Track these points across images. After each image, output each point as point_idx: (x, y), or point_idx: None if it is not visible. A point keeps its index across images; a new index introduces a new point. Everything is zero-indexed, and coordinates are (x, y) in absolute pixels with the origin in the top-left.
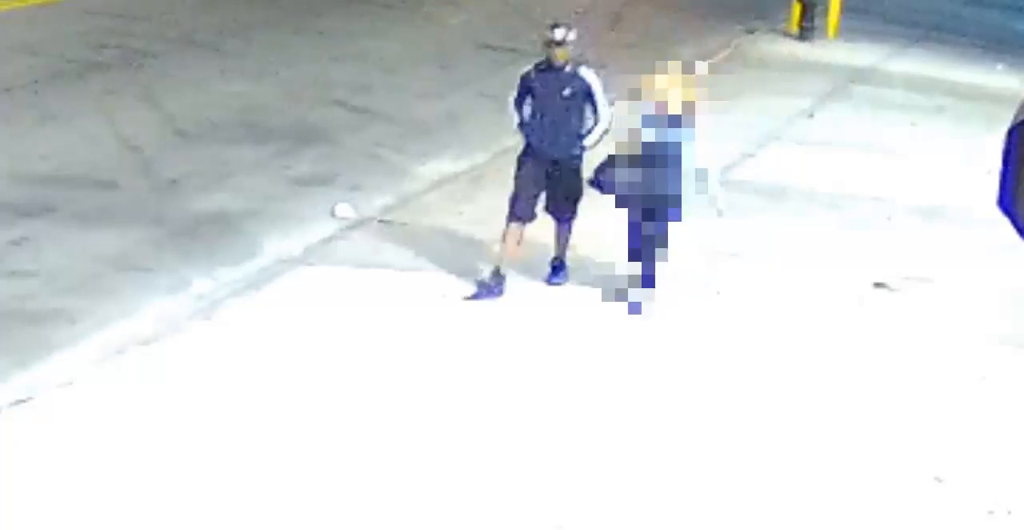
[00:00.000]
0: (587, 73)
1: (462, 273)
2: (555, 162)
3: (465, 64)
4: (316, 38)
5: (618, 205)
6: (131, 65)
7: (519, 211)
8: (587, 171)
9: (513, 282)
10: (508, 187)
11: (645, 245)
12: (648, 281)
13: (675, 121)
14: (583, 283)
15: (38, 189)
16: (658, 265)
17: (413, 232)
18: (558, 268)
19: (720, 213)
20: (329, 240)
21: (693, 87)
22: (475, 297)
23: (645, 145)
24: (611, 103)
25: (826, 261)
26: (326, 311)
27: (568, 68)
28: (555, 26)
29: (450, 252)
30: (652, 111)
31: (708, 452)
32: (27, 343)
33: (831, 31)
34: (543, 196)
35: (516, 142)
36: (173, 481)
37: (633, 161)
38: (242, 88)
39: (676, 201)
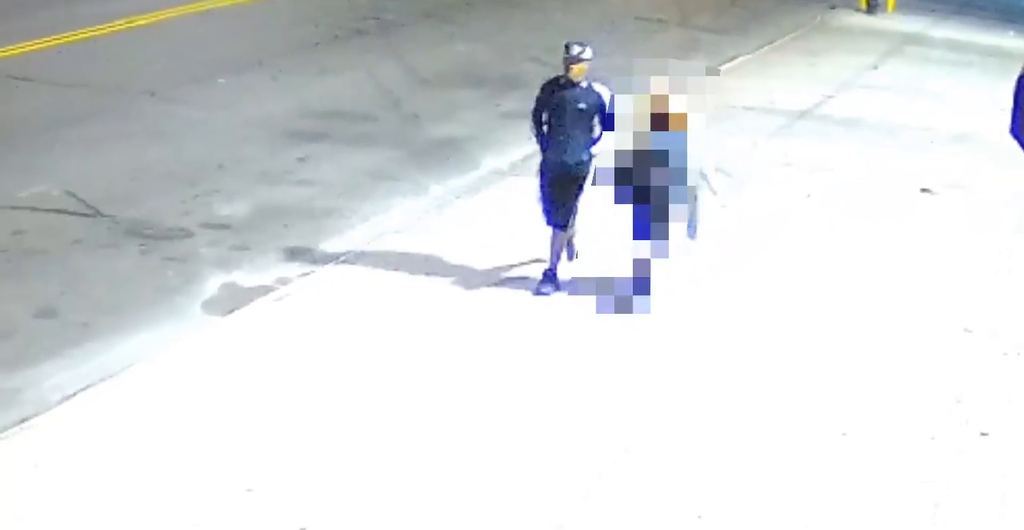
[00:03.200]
0: (601, 88)
1: None
2: (566, 170)
3: (624, 30)
4: (520, 12)
5: (617, 196)
6: (385, 32)
7: (552, 219)
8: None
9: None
10: None
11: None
12: (642, 286)
13: (670, 129)
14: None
15: (318, 121)
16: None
17: None
18: (549, 278)
19: (714, 193)
20: (528, 157)
21: (692, 96)
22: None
23: (641, 147)
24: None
25: (887, 173)
26: (528, 210)
27: (583, 83)
28: (572, 44)
29: None
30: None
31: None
32: (311, 231)
33: (890, 7)
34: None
35: None
36: (423, 332)
37: (635, 157)
38: (465, 48)
39: (677, 194)
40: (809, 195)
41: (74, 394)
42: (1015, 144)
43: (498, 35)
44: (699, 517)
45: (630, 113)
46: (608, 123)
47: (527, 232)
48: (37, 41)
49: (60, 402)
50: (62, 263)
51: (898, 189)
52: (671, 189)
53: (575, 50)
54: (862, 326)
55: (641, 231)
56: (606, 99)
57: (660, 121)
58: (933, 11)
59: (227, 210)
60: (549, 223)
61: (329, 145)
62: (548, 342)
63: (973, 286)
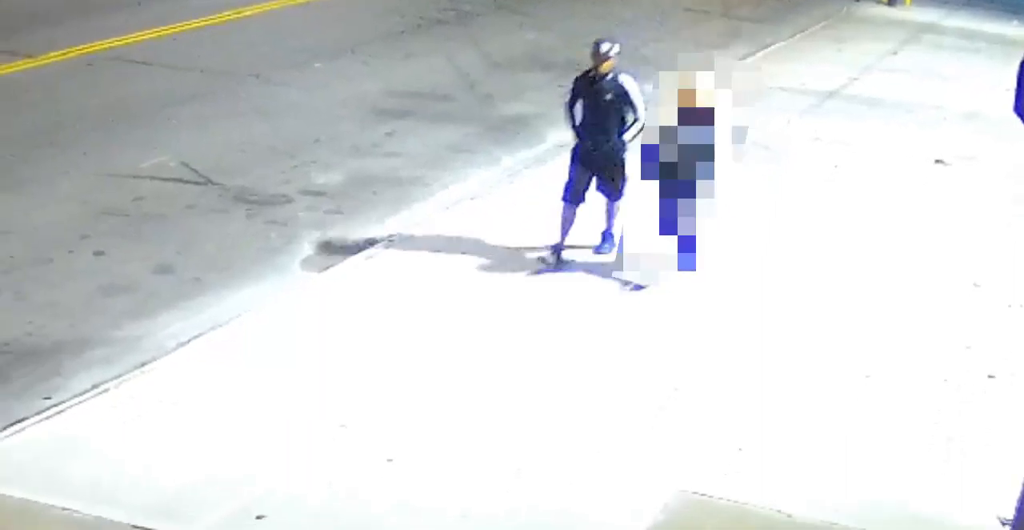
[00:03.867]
0: (626, 79)
1: None
2: (600, 155)
3: (674, 20)
4: (583, 3)
5: (645, 176)
6: (462, 21)
7: (570, 196)
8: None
9: None
10: None
11: (682, 209)
12: (687, 244)
13: (704, 118)
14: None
15: (403, 100)
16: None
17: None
18: (606, 237)
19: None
20: None
21: (721, 90)
22: (538, 272)
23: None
24: (646, 104)
25: (905, 146)
26: None
27: (611, 76)
28: (602, 42)
29: None
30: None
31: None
32: (397, 198)
33: (908, 1)
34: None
35: None
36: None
37: (665, 146)
38: (533, 36)
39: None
40: (836, 166)
41: (188, 341)
42: (1018, 121)
43: (563, 24)
44: (740, 449)
45: (662, 102)
46: (635, 110)
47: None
48: (155, 30)
49: (176, 348)
50: (177, 226)
51: (914, 160)
52: (699, 165)
53: (604, 47)
54: (883, 281)
55: (668, 226)
56: (632, 89)
57: (688, 114)
58: (946, 3)
59: (323, 179)
60: (565, 198)
61: (413, 121)
62: (599, 298)
63: (981, 246)
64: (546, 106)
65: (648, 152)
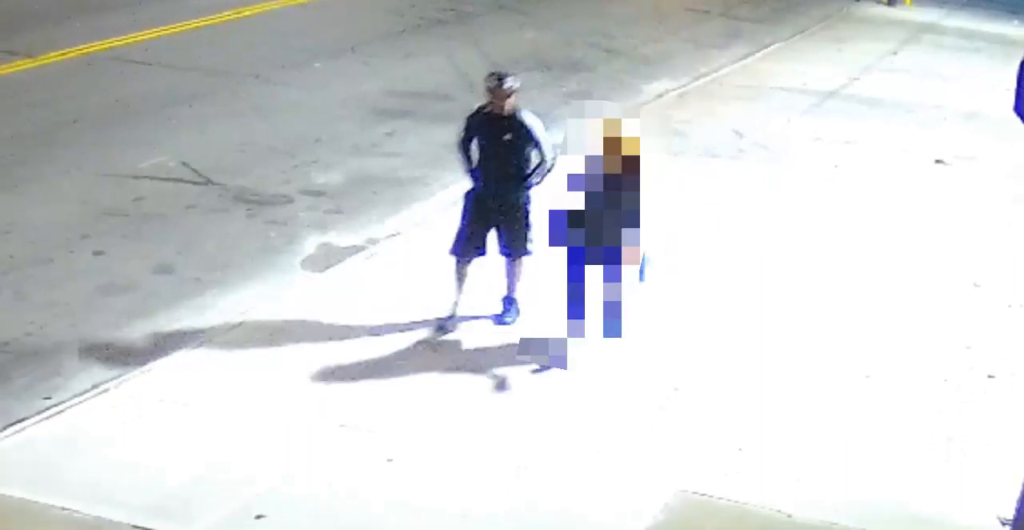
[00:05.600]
0: (527, 117)
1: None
2: (501, 204)
3: (674, 20)
4: (582, 2)
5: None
6: (462, 21)
7: (461, 249)
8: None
9: None
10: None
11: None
12: (613, 310)
13: (616, 182)
14: None
15: (403, 100)
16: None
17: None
18: (508, 304)
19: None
20: None
21: (640, 138)
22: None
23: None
24: (554, 147)
25: (904, 145)
26: None
27: (510, 114)
28: (504, 76)
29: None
30: (595, 169)
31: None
32: (397, 198)
33: (908, 1)
34: (492, 234)
35: (709, 69)
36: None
37: (574, 218)
38: (533, 36)
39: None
40: (836, 165)
41: (188, 341)
42: (1018, 120)
43: (562, 24)
44: (740, 449)
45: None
46: (542, 150)
47: None
48: (155, 30)
49: (176, 349)
50: (178, 226)
51: (914, 160)
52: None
53: (508, 82)
54: (883, 281)
55: (576, 308)
56: (535, 128)
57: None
58: (946, 3)
59: (323, 179)
60: (455, 252)
61: (413, 121)
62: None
63: (981, 246)
64: (546, 106)
65: (556, 217)
